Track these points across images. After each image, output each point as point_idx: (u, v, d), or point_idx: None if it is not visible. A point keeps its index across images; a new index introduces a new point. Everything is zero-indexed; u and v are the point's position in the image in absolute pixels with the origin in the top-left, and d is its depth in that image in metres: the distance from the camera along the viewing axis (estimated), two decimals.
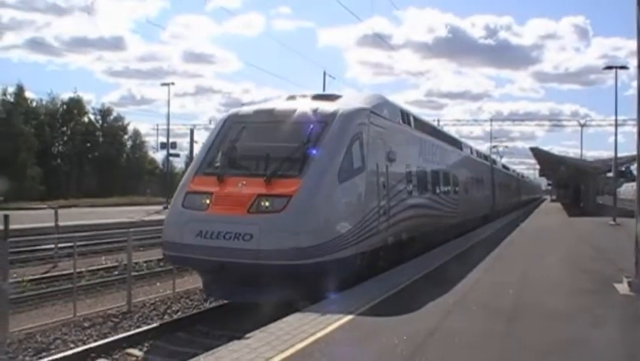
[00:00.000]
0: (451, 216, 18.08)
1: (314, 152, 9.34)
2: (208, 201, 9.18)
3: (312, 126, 9.72)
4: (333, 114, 9.95)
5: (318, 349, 5.81)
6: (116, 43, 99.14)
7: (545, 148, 47.87)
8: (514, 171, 56.15)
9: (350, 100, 11.16)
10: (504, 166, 45.67)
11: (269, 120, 10.23)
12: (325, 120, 9.84)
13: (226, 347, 6.01)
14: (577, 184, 49.08)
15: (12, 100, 68.17)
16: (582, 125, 51.77)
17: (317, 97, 11.25)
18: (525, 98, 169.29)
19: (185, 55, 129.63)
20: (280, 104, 10.87)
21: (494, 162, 35.66)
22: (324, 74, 42.98)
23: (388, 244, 11.10)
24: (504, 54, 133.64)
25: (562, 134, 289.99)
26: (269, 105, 10.92)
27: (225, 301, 10.20)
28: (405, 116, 13.84)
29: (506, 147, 68.98)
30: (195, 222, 9.01)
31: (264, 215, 8.70)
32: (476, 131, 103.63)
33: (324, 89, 16.94)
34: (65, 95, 77.88)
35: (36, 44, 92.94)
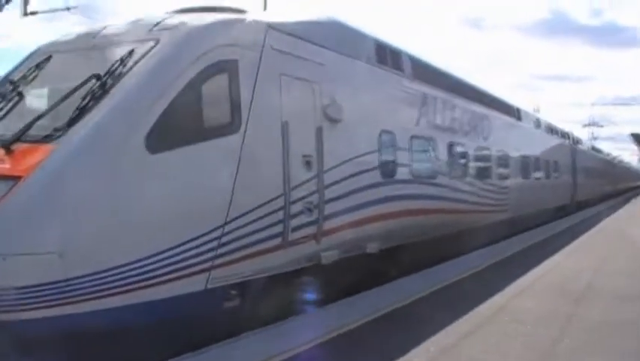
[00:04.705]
0: (496, 210, 13.12)
1: (106, 94, 5.17)
2: None
3: (127, 51, 5.55)
4: (169, 29, 5.79)
5: None
6: None
7: None
8: (608, 154, 48.75)
9: (255, 14, 6.74)
10: (594, 148, 38.90)
11: (85, 47, 6.20)
12: (155, 40, 5.66)
13: None
14: None
15: None
16: None
17: (206, 9, 6.76)
18: (631, 81, 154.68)
19: None
20: (122, 21, 6.64)
21: (577, 141, 29.25)
22: None
23: (325, 263, 6.81)
24: (609, 35, 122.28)
25: None
26: (106, 24, 6.71)
27: None
28: (386, 54, 8.89)
29: (600, 126, 60.86)
30: None
31: None
32: (579, 116, 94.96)
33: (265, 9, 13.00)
34: None
35: None
